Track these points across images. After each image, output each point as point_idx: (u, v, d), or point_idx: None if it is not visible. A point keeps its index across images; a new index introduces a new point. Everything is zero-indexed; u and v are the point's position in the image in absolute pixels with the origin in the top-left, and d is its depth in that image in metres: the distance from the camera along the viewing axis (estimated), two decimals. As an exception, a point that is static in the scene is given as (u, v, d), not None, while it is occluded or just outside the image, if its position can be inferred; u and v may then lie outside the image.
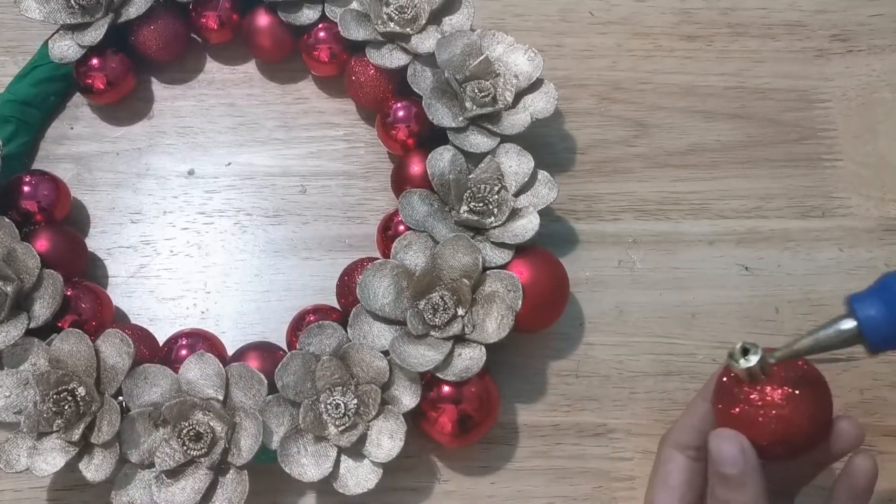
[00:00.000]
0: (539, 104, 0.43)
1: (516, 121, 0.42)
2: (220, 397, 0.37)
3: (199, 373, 0.38)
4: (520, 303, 0.38)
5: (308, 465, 0.37)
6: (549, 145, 0.46)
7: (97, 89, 0.46)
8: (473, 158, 0.42)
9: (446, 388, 0.38)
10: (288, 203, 0.45)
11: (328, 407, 0.37)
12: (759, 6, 0.50)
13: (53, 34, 0.46)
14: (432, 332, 0.38)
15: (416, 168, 0.42)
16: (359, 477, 0.37)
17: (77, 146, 0.47)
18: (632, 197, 0.45)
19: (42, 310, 0.39)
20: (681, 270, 0.44)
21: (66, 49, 0.45)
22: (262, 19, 0.46)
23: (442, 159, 0.41)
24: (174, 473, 0.36)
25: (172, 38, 0.47)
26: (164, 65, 0.48)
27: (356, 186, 0.46)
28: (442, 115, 0.42)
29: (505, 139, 0.42)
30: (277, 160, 0.46)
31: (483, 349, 0.38)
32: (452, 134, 0.42)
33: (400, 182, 0.43)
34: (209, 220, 0.45)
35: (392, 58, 0.44)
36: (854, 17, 0.50)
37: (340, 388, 0.37)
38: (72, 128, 0.47)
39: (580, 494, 0.40)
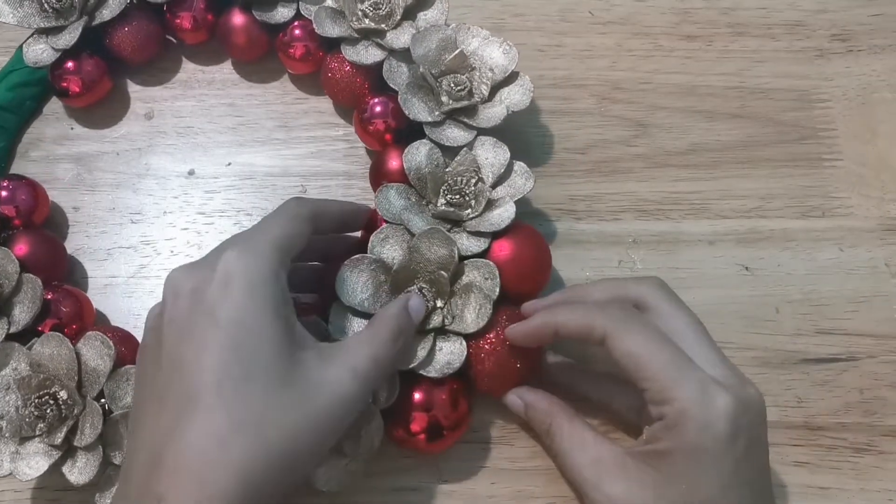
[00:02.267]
0: (515, 97, 0.43)
1: (492, 114, 0.42)
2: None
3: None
4: (497, 290, 0.38)
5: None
6: (548, 145, 0.46)
7: (73, 92, 0.46)
8: (450, 152, 0.42)
9: (417, 396, 0.38)
10: (288, 203, 0.45)
11: None
12: (759, 6, 0.50)
13: (28, 38, 0.46)
14: None
15: (394, 163, 0.42)
16: (339, 475, 0.37)
17: (77, 146, 0.47)
18: (632, 197, 0.45)
19: (22, 314, 0.39)
20: (681, 270, 0.44)
21: (40, 53, 0.45)
22: (237, 18, 0.46)
23: (418, 153, 0.41)
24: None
25: (147, 40, 0.47)
26: (139, 66, 0.48)
27: (356, 186, 0.46)
28: (418, 110, 0.42)
29: (481, 132, 0.42)
30: (277, 160, 0.46)
31: (463, 343, 0.38)
32: (429, 128, 0.42)
33: (378, 177, 0.43)
34: (209, 220, 0.45)
35: (367, 54, 0.44)
36: (854, 17, 0.50)
37: None
38: (72, 128, 0.47)
39: (580, 494, 0.40)
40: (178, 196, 0.46)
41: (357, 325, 0.38)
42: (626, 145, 0.47)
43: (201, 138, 0.47)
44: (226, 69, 0.49)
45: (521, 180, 0.41)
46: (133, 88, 0.48)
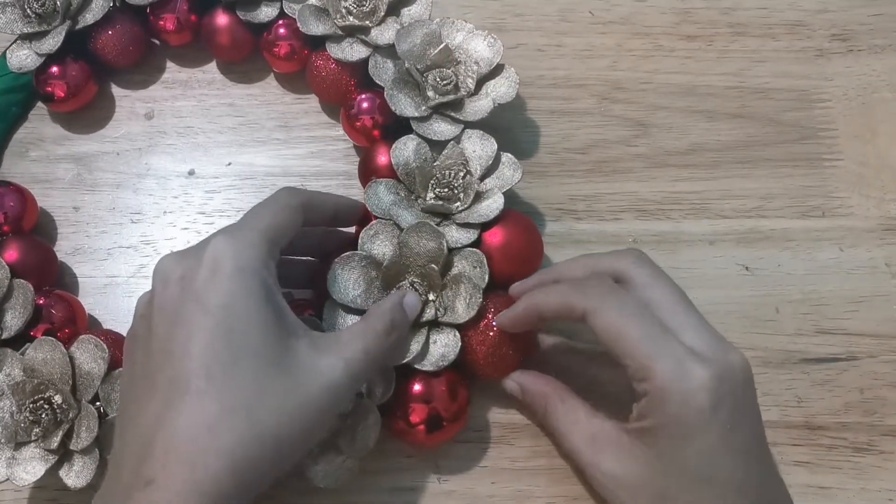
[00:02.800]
0: (501, 89, 0.43)
1: (479, 107, 0.42)
2: None
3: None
4: (486, 278, 0.38)
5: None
6: (548, 145, 0.46)
7: (58, 97, 0.46)
8: (438, 146, 0.42)
9: (416, 387, 0.38)
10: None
11: None
12: (759, 6, 0.50)
13: (11, 44, 0.46)
14: None
15: (382, 159, 0.42)
16: (335, 471, 0.37)
17: (77, 146, 0.47)
18: (632, 197, 0.45)
19: (14, 320, 0.39)
20: (681, 270, 0.44)
21: (24, 58, 0.45)
22: (221, 19, 0.46)
23: (406, 149, 0.41)
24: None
25: (131, 43, 0.47)
26: (124, 69, 0.48)
27: (356, 186, 0.46)
28: (404, 106, 0.42)
29: (468, 125, 0.42)
30: (278, 160, 0.46)
31: (457, 334, 0.38)
32: (416, 123, 0.42)
33: (367, 173, 0.43)
34: (210, 220, 0.45)
35: (352, 51, 0.44)
36: (854, 17, 0.50)
37: None
38: (72, 128, 0.47)
39: (581, 494, 0.40)
40: (178, 196, 0.46)
41: (350, 321, 0.38)
42: (627, 145, 0.47)
43: (201, 138, 0.47)
44: (226, 68, 0.49)
45: (510, 171, 0.41)
46: (132, 88, 0.48)
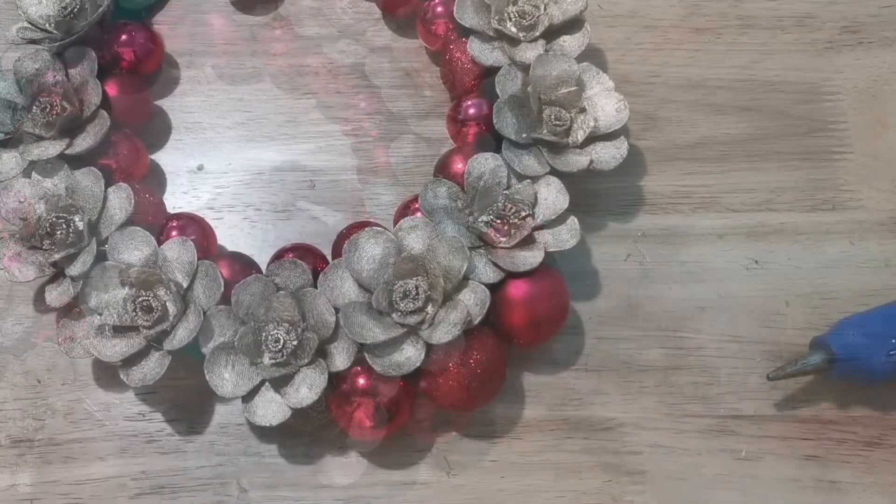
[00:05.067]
0: (605, 155, 0.42)
1: (574, 161, 0.41)
2: (185, 284, 0.38)
3: (176, 255, 0.39)
4: (477, 321, 0.37)
5: (228, 380, 0.37)
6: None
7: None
8: (515, 176, 0.41)
9: (361, 381, 0.37)
10: (297, 198, 0.45)
11: (268, 338, 0.37)
12: (768, -2, 0.50)
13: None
14: (392, 315, 0.37)
15: (459, 166, 0.41)
16: (267, 411, 0.37)
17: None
18: (641, 190, 0.45)
19: (83, 141, 0.41)
20: (690, 264, 0.44)
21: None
22: None
23: (484, 164, 0.40)
24: (116, 331, 0.38)
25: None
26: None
27: (365, 181, 0.46)
28: (507, 125, 0.41)
29: (553, 172, 0.41)
30: (286, 155, 0.46)
31: (423, 354, 0.37)
32: (508, 145, 0.41)
33: (440, 168, 0.42)
34: (219, 215, 0.45)
35: (491, 56, 0.43)
36: (864, 9, 0.49)
37: (287, 325, 0.37)
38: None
39: (589, 489, 0.40)
40: (186, 191, 0.46)
41: (347, 287, 0.38)
42: (635, 139, 0.46)
43: (210, 133, 0.47)
44: (234, 64, 0.49)
45: (566, 235, 0.40)
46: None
